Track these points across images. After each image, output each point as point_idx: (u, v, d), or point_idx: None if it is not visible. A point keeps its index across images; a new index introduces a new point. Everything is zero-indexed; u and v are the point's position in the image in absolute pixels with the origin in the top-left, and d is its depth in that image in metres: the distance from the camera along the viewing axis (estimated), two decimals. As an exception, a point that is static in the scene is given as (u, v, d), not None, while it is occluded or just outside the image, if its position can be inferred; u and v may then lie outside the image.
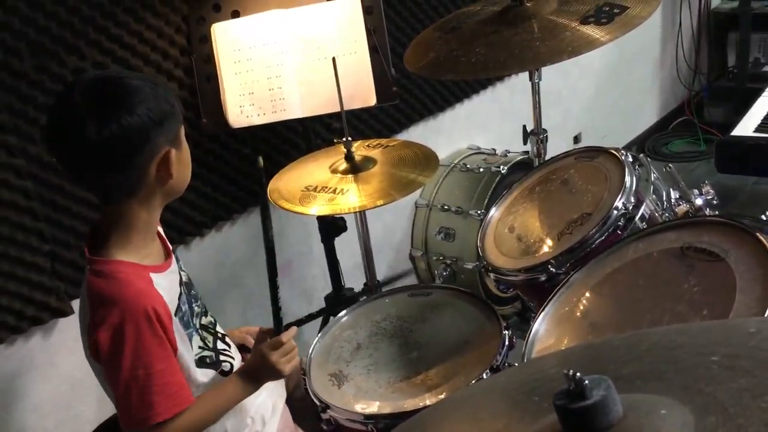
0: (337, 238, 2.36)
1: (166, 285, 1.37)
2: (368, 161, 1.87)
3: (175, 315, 1.36)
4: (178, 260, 1.50)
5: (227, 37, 2.10)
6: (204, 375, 1.43)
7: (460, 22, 1.76)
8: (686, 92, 4.28)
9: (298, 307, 2.68)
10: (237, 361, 1.53)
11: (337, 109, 2.03)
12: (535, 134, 1.92)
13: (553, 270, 1.38)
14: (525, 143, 1.96)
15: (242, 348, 1.65)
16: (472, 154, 3.03)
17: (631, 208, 1.39)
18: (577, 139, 3.73)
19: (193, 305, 1.48)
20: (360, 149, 1.94)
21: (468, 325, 1.65)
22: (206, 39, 2.11)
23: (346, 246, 2.47)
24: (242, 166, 2.34)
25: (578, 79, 3.57)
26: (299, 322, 2.30)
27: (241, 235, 2.43)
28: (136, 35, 2.03)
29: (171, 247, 1.50)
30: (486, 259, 1.59)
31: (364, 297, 2.04)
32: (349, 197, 1.78)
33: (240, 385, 1.42)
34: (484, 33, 1.64)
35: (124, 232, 1.33)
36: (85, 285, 1.34)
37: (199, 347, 1.43)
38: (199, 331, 1.46)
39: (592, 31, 1.51)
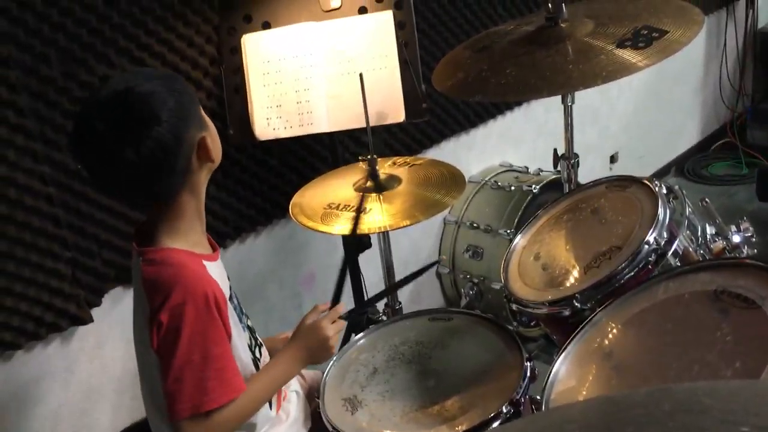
0: (362, 254, 2.33)
1: (218, 274, 1.38)
2: (393, 180, 1.83)
3: (230, 301, 1.37)
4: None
5: (257, 49, 2.08)
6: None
7: (491, 41, 1.71)
8: (729, 113, 4.17)
9: (320, 321, 2.65)
10: None
11: (365, 124, 2.00)
12: (566, 158, 1.86)
13: (578, 305, 1.32)
14: (555, 167, 1.90)
15: None
16: (504, 171, 2.97)
17: (663, 243, 1.32)
18: (613, 159, 3.65)
19: (240, 305, 1.49)
20: (385, 167, 1.89)
21: (488, 354, 1.59)
22: (236, 50, 2.09)
23: (371, 260, 2.44)
24: (268, 177, 2.32)
25: (617, 97, 3.49)
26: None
27: (264, 248, 2.41)
28: (166, 44, 2.02)
29: (217, 248, 1.50)
30: (508, 288, 1.53)
31: (384, 318, 2.00)
32: (373, 216, 1.74)
33: (289, 361, 1.43)
34: (515, 54, 1.58)
35: (172, 222, 1.34)
36: (138, 278, 1.33)
37: (247, 344, 1.44)
38: (246, 330, 1.46)
39: (628, 55, 1.45)
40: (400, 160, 1.96)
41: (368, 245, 2.23)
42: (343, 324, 1.48)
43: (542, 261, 1.54)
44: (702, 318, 1.07)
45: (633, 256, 1.32)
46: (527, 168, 2.96)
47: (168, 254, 1.31)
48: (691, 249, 1.36)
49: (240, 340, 1.39)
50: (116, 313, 2.06)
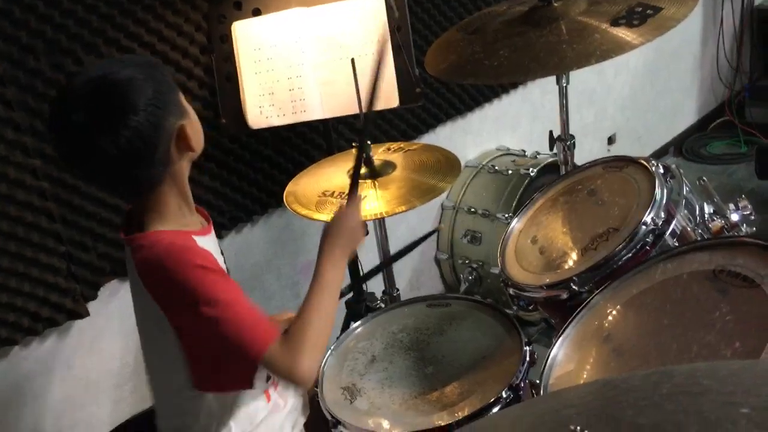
0: (359, 241, 2.31)
1: (211, 247, 1.34)
2: (388, 166, 1.81)
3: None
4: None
5: (248, 36, 2.05)
6: None
7: (484, 22, 1.68)
8: (727, 92, 4.13)
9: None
10: None
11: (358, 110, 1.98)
12: (562, 140, 1.84)
13: (576, 288, 1.31)
14: (551, 149, 1.88)
15: None
16: (501, 155, 2.95)
17: (660, 223, 1.30)
18: (611, 140, 3.62)
19: None
20: (380, 153, 1.88)
21: (487, 340, 1.58)
22: (227, 38, 2.07)
23: (369, 248, 2.42)
24: (263, 166, 2.30)
25: (613, 77, 3.46)
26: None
27: (261, 237, 2.39)
28: (156, 33, 2.00)
29: (209, 218, 1.46)
30: (506, 273, 1.51)
31: (382, 306, 1.99)
32: (368, 203, 1.72)
33: (330, 257, 1.36)
34: (508, 35, 1.56)
35: (157, 209, 1.31)
36: (131, 267, 1.31)
37: None
38: None
39: (623, 33, 1.42)
40: (394, 145, 1.94)
41: (365, 232, 2.21)
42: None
43: (539, 244, 1.52)
44: (701, 298, 1.06)
45: (630, 237, 1.30)
46: (524, 151, 2.94)
47: (155, 236, 1.28)
48: (689, 228, 1.34)
49: None
50: (113, 306, 2.04)
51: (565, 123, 1.81)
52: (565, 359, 1.15)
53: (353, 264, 2.32)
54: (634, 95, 3.63)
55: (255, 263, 2.40)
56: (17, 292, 1.84)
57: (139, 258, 1.27)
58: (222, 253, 1.44)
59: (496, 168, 2.83)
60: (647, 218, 1.30)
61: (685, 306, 1.08)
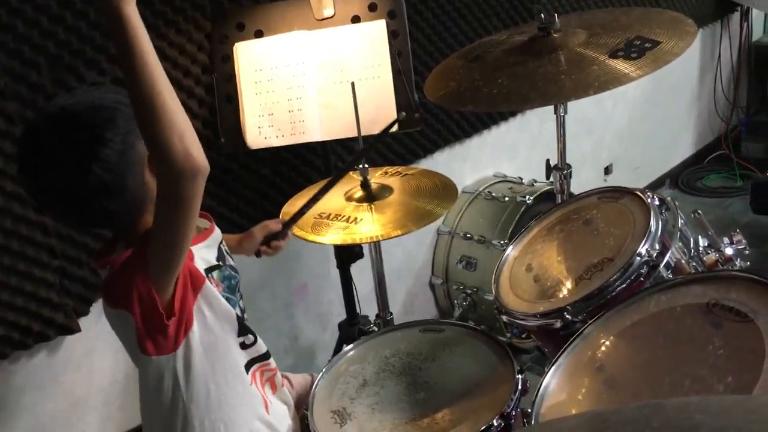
0: (354, 263, 2.31)
1: (203, 254, 1.34)
2: (385, 190, 1.81)
3: (210, 271, 1.34)
4: (222, 242, 1.47)
5: (249, 57, 2.07)
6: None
7: (484, 51, 1.70)
8: (723, 126, 4.17)
9: (312, 331, 2.63)
10: None
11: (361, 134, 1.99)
12: (559, 169, 1.85)
13: (569, 317, 1.30)
14: (548, 178, 1.88)
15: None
16: (498, 182, 2.96)
17: (655, 255, 1.30)
18: (608, 170, 3.64)
19: (237, 284, 1.47)
20: (377, 177, 1.88)
21: (479, 367, 1.57)
22: (228, 58, 2.08)
23: (364, 271, 2.42)
24: (260, 186, 2.30)
25: (612, 108, 3.49)
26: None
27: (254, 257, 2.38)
28: (158, 52, 1.98)
29: (211, 218, 1.47)
30: (499, 300, 1.51)
31: (375, 329, 1.98)
32: (364, 227, 1.72)
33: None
34: (507, 63, 1.57)
35: (140, 238, 1.28)
36: (104, 291, 1.31)
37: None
38: (236, 307, 1.43)
39: (621, 65, 1.44)
40: (392, 169, 1.94)
41: (360, 255, 2.21)
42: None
43: (534, 272, 1.52)
44: (694, 331, 1.06)
45: (625, 267, 1.30)
46: (521, 179, 2.95)
47: (125, 255, 1.26)
48: (683, 261, 1.35)
49: (219, 303, 1.35)
50: (104, 323, 1.99)
51: (562, 152, 1.82)
52: (557, 389, 1.14)
53: (347, 288, 2.32)
54: (632, 126, 3.66)
55: (249, 282, 2.39)
56: (9, 306, 1.83)
57: (110, 277, 1.27)
58: (223, 255, 1.44)
59: (493, 194, 2.84)
60: (642, 249, 1.31)
61: (678, 339, 1.08)
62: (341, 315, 2.42)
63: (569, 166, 1.86)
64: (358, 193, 1.81)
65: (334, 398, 1.58)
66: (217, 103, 2.11)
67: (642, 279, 1.30)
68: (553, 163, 1.88)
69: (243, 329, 1.43)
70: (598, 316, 1.21)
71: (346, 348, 1.71)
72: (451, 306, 2.92)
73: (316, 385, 1.61)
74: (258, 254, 1.72)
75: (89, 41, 1.86)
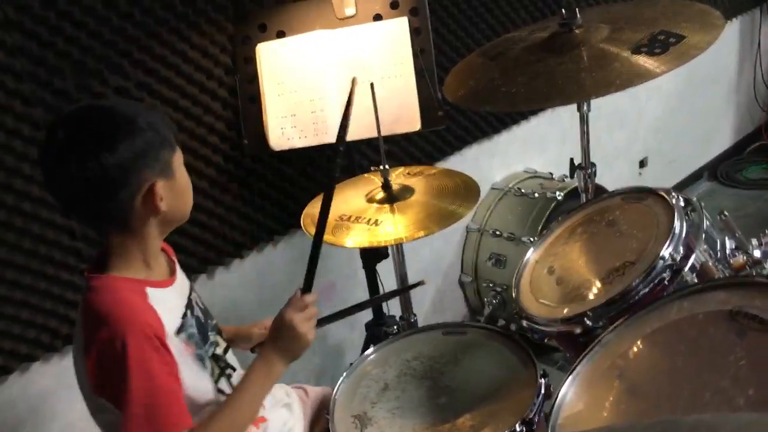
0: (381, 263, 2.30)
1: (166, 301, 1.32)
2: (406, 190, 1.79)
3: (177, 334, 1.31)
4: (192, 290, 1.46)
5: (272, 58, 2.06)
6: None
7: (506, 48, 1.66)
8: (764, 115, 4.04)
9: (340, 331, 2.63)
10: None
11: (384, 133, 1.97)
12: (583, 168, 1.80)
13: (590, 323, 1.27)
14: (572, 177, 1.84)
15: None
16: (528, 178, 2.92)
17: (679, 258, 1.26)
18: (643, 164, 3.57)
19: (209, 333, 1.44)
20: (398, 177, 1.86)
21: (502, 370, 1.55)
22: (251, 59, 2.08)
23: (392, 271, 2.40)
24: (285, 186, 2.30)
25: (646, 100, 3.41)
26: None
27: (282, 257, 2.39)
28: (181, 55, 2.02)
29: (176, 265, 1.46)
30: (519, 304, 1.48)
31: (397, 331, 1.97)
32: (386, 228, 1.71)
33: (265, 365, 1.35)
34: (527, 61, 1.53)
35: (122, 258, 1.30)
36: (80, 307, 1.30)
37: (209, 374, 1.38)
38: (209, 359, 1.40)
39: (644, 61, 1.39)
40: (414, 169, 1.92)
41: (385, 255, 2.19)
42: (316, 311, 1.39)
43: (556, 275, 1.49)
44: (716, 340, 1.02)
45: (647, 271, 1.26)
46: (552, 174, 2.91)
47: (110, 282, 1.27)
48: (709, 263, 1.30)
49: (191, 371, 1.31)
50: None
51: (585, 150, 1.77)
52: (575, 398, 1.11)
53: (373, 288, 2.31)
54: (667, 118, 3.57)
55: (276, 283, 2.40)
56: (38, 309, 1.86)
57: (88, 301, 1.25)
58: (191, 295, 1.43)
59: (523, 191, 2.80)
60: (665, 252, 1.26)
61: (699, 347, 1.04)
62: (369, 315, 2.41)
63: (593, 165, 1.81)
64: (380, 194, 1.79)
65: (356, 402, 1.57)
66: (240, 105, 2.11)
67: (665, 283, 1.26)
68: (577, 161, 1.84)
69: (219, 375, 1.42)
70: (618, 323, 1.18)
71: (368, 351, 1.70)
72: (481, 304, 2.89)
73: (338, 389, 1.60)
74: (253, 350, 1.68)
75: (113, 46, 1.87)
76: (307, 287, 1.43)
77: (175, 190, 1.30)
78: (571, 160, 1.84)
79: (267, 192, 2.27)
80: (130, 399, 1.18)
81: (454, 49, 2.55)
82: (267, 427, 1.52)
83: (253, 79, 2.09)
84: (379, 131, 1.72)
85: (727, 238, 1.34)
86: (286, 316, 1.38)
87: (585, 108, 1.70)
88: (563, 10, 1.54)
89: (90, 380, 1.25)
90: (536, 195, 2.74)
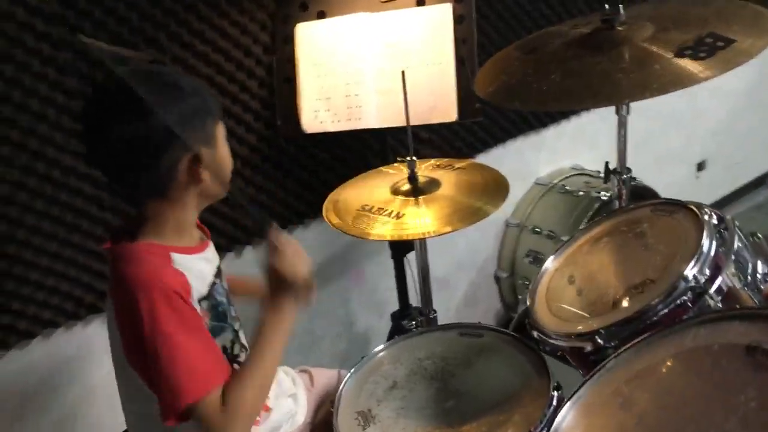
0: (410, 253, 2.26)
1: (192, 267, 1.30)
2: (432, 184, 1.73)
3: (200, 301, 1.30)
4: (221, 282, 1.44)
5: (310, 38, 2.03)
6: None
7: (544, 42, 1.58)
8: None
9: (367, 319, 2.60)
10: None
11: (418, 122, 1.91)
12: (618, 173, 1.71)
13: (601, 342, 1.20)
14: (606, 182, 1.75)
15: None
16: (574, 175, 2.82)
17: (703, 281, 1.17)
18: (701, 166, 3.41)
19: (230, 304, 1.43)
20: (426, 170, 1.80)
21: (514, 378, 1.49)
22: (289, 39, 2.04)
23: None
24: (318, 170, 2.27)
25: (706, 100, 3.24)
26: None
27: (312, 241, 2.36)
28: (219, 30, 2.00)
29: (209, 235, 1.46)
30: (532, 315, 1.42)
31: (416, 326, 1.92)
32: (409, 221, 1.65)
33: (275, 314, 1.31)
34: (563, 57, 1.45)
35: (155, 227, 1.29)
36: (109, 276, 1.31)
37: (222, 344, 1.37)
38: (230, 332, 1.40)
39: (686, 65, 1.29)
40: (444, 162, 1.86)
41: (413, 246, 2.14)
42: (292, 243, 1.32)
43: (577, 285, 1.41)
44: (728, 375, 0.94)
45: (667, 292, 1.18)
46: (599, 172, 2.79)
47: (135, 248, 1.26)
48: (738, 286, 1.20)
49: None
50: None
51: (622, 154, 1.68)
52: (573, 423, 1.05)
53: (401, 279, 2.27)
54: (730, 119, 3.40)
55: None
56: (63, 276, 1.89)
57: (116, 269, 1.25)
58: (217, 275, 1.41)
59: (567, 188, 2.71)
60: (689, 273, 1.18)
61: (710, 381, 0.96)
62: (396, 305, 2.37)
63: (629, 170, 1.71)
64: (405, 186, 1.73)
65: (362, 398, 1.53)
66: (275, 85, 2.08)
67: (688, 305, 1.17)
68: (612, 165, 1.74)
69: (230, 358, 1.40)
70: (629, 345, 1.10)
71: (379, 347, 1.66)
72: (515, 301, 2.82)
73: (345, 383, 1.57)
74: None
75: (150, 18, 1.87)
76: (263, 225, 1.33)
77: (216, 161, 1.29)
78: (606, 164, 1.75)
79: (299, 174, 2.25)
80: (154, 364, 1.18)
81: (492, 42, 2.46)
82: (269, 416, 1.51)
83: (290, 59, 2.05)
84: (407, 120, 1.66)
85: (759, 261, 1.24)
86: (272, 269, 1.31)
87: (624, 111, 1.60)
88: (606, 5, 1.44)
89: (123, 349, 1.26)
90: (581, 193, 2.64)
